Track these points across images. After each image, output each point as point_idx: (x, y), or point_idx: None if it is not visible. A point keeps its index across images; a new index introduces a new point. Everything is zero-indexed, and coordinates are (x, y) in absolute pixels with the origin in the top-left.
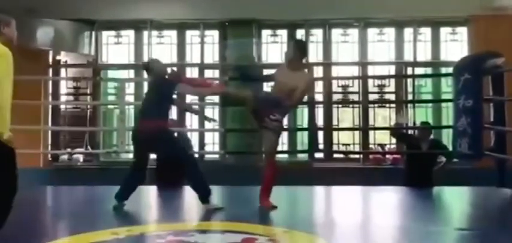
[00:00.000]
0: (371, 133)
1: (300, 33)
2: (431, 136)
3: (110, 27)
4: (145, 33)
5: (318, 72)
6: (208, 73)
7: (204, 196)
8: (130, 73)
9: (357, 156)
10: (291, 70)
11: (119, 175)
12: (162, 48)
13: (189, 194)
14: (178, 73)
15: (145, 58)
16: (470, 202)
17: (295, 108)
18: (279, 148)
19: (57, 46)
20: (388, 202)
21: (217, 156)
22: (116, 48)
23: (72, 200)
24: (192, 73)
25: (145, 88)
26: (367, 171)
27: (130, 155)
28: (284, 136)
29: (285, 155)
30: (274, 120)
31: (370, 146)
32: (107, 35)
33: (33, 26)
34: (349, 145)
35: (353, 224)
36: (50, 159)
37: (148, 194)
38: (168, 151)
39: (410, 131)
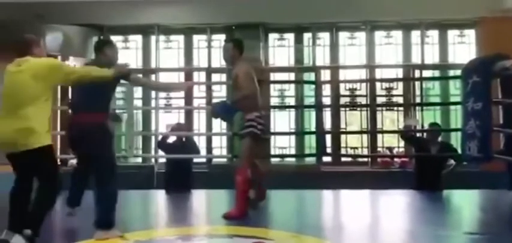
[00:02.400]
0: (379, 136)
1: (307, 36)
2: (440, 139)
3: (117, 32)
4: (153, 38)
5: (326, 75)
6: (216, 77)
7: (100, 222)
8: None
9: (365, 159)
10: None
11: (127, 180)
12: (169, 52)
13: (198, 199)
14: (127, 70)
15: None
16: (479, 205)
17: (239, 104)
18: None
19: (66, 52)
20: (396, 205)
21: (224, 160)
22: (124, 53)
23: (80, 205)
24: (199, 77)
25: (154, 93)
26: (375, 174)
27: (139, 160)
28: (291, 140)
29: (293, 159)
30: (246, 125)
31: (378, 149)
32: (115, 40)
33: (42, 31)
34: (357, 148)
35: (361, 228)
36: (60, 163)
37: (157, 198)
38: (94, 152)
39: (418, 134)
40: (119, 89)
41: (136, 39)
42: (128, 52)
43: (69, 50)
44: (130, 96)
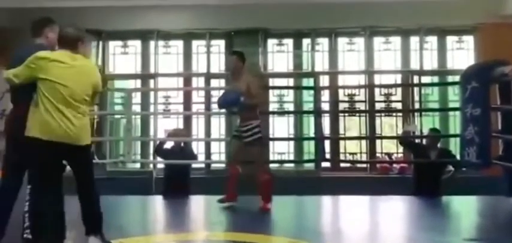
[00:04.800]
0: (378, 141)
1: (306, 42)
2: (439, 145)
3: (116, 37)
4: (152, 43)
5: (324, 81)
6: (215, 83)
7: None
8: (137, 83)
9: (364, 165)
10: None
11: (125, 185)
12: (168, 58)
13: (195, 204)
14: None
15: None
16: (478, 212)
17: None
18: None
19: None
20: (395, 211)
21: (223, 165)
22: (123, 58)
23: (77, 211)
24: (198, 82)
25: (152, 99)
26: (374, 180)
27: (138, 165)
28: (290, 146)
29: (292, 165)
30: (255, 131)
31: (377, 155)
32: (114, 45)
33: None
34: (356, 154)
35: (360, 233)
36: None
37: (155, 204)
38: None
39: (417, 140)
40: (117, 94)
41: (135, 44)
42: (127, 57)
43: None
44: (129, 101)
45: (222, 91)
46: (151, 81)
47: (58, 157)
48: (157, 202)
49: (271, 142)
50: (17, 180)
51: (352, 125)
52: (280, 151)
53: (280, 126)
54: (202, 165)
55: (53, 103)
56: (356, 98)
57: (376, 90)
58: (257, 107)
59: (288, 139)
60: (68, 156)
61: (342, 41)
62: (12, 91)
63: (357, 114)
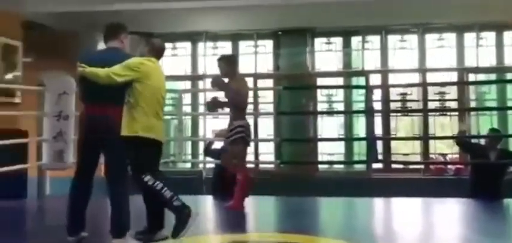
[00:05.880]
0: (432, 142)
1: (355, 40)
2: (499, 146)
3: (166, 40)
4: (201, 45)
5: (375, 79)
6: (262, 83)
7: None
8: (187, 84)
9: (417, 166)
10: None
11: (176, 184)
12: (216, 59)
13: (245, 204)
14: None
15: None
16: None
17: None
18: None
19: None
20: (451, 214)
21: (272, 166)
22: (173, 60)
23: (130, 209)
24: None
25: (201, 99)
26: (428, 182)
27: (188, 165)
28: (340, 146)
29: (341, 166)
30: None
31: (431, 156)
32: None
33: (94, 39)
34: (408, 155)
35: (413, 236)
36: None
37: (205, 204)
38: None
39: (475, 140)
40: (167, 95)
41: (184, 46)
42: (177, 59)
43: None
44: (180, 102)
45: (270, 92)
46: (200, 82)
47: (155, 154)
48: (208, 202)
49: (319, 143)
50: (88, 178)
51: (405, 126)
52: (330, 151)
53: (330, 126)
54: (251, 165)
55: (151, 106)
56: (408, 97)
57: (430, 89)
58: (243, 110)
59: (338, 139)
60: (158, 154)
61: (393, 39)
62: (90, 92)
63: (410, 114)
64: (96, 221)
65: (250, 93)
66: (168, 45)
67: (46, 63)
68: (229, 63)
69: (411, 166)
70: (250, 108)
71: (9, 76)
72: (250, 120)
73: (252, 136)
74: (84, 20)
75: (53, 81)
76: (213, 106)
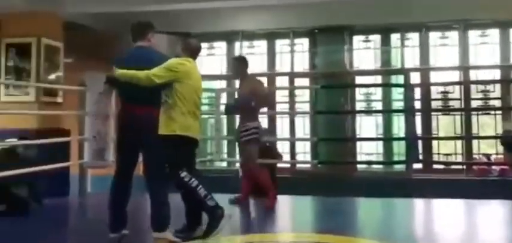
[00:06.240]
0: (475, 142)
1: (394, 37)
2: None
3: (203, 39)
4: (237, 44)
5: (415, 77)
6: (299, 82)
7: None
8: (223, 84)
9: (459, 167)
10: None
11: (213, 183)
12: (252, 58)
13: (281, 204)
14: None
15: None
16: None
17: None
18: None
19: None
20: (496, 216)
21: (309, 166)
22: (210, 59)
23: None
24: (282, 82)
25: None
26: (471, 183)
27: (225, 164)
28: (378, 146)
29: (380, 166)
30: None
31: (474, 156)
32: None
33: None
34: (450, 155)
35: (456, 239)
36: None
37: (242, 203)
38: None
39: None
40: (205, 94)
41: (221, 46)
42: (213, 58)
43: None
44: (217, 101)
45: (306, 91)
46: (237, 81)
47: (192, 152)
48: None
49: (358, 143)
50: (128, 177)
51: (446, 125)
52: (368, 151)
53: (368, 126)
54: (288, 165)
55: (189, 105)
56: (450, 95)
57: (472, 87)
58: (257, 110)
59: (377, 139)
60: (195, 152)
61: (433, 35)
62: (129, 92)
63: (451, 113)
64: (137, 219)
65: (286, 92)
66: (204, 44)
67: (86, 63)
68: (238, 64)
69: (453, 167)
70: (285, 107)
71: (51, 76)
72: (286, 119)
73: (288, 135)
74: (123, 20)
75: (93, 80)
76: (228, 112)
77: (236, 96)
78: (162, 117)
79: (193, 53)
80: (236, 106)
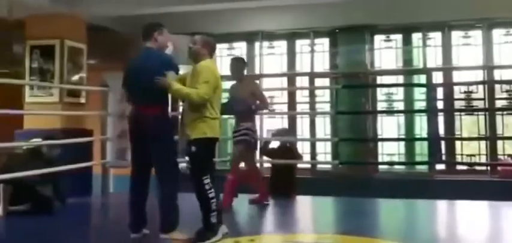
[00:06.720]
0: (499, 142)
1: (416, 37)
2: None
3: (223, 40)
4: (257, 44)
5: (438, 77)
6: (319, 82)
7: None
8: None
9: (483, 168)
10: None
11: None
12: (272, 58)
13: (302, 205)
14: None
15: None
16: None
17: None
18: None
19: (176, 60)
20: None
21: (329, 166)
22: (228, 60)
23: (191, 207)
24: (302, 82)
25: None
26: (495, 184)
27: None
28: (400, 146)
29: (402, 167)
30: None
31: (499, 157)
32: (220, 48)
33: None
34: (474, 155)
35: (479, 242)
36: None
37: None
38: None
39: None
40: (225, 95)
41: (240, 46)
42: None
43: (178, 59)
44: None
45: (326, 91)
46: (257, 81)
47: (214, 151)
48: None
49: (379, 143)
50: (143, 177)
51: (469, 125)
52: (390, 152)
53: (389, 126)
54: (308, 165)
55: (216, 106)
56: (473, 95)
57: (497, 87)
58: (254, 112)
59: (399, 139)
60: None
61: (456, 35)
62: (138, 92)
63: (475, 113)
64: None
65: (306, 93)
66: (224, 45)
67: (109, 64)
68: (241, 65)
69: (477, 168)
70: (306, 107)
71: (75, 77)
72: (306, 120)
73: (309, 136)
74: (144, 22)
75: (115, 81)
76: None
77: (228, 96)
78: (193, 121)
79: (213, 50)
80: (233, 107)
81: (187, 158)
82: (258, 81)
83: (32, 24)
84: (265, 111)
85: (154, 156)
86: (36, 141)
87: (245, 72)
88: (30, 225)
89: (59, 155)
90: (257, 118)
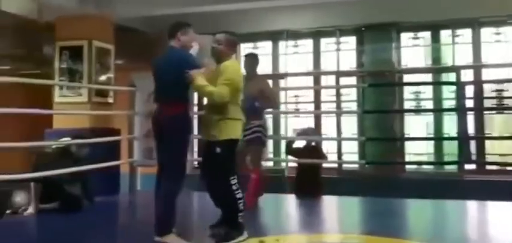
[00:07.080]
0: None
1: (444, 34)
2: None
3: (248, 40)
4: (282, 43)
5: (467, 75)
6: (345, 81)
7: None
8: (270, 83)
9: None
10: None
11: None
12: (298, 57)
13: (328, 204)
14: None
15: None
16: None
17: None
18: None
19: (201, 60)
20: None
21: (356, 166)
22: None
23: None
24: (327, 81)
25: (283, 98)
26: None
27: (270, 164)
28: (428, 146)
29: (431, 167)
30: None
31: None
32: (244, 47)
33: None
34: (505, 155)
35: None
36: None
37: (287, 203)
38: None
39: None
40: None
41: (265, 45)
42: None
43: (203, 58)
44: None
45: (352, 90)
46: (282, 81)
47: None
48: (290, 201)
49: (407, 142)
50: None
51: (500, 124)
52: (418, 151)
53: (417, 125)
54: (334, 165)
55: (238, 106)
56: (504, 93)
57: None
58: (265, 109)
59: (428, 138)
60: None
61: (486, 31)
62: (164, 91)
63: (506, 111)
64: (185, 216)
65: (332, 91)
66: (249, 44)
67: (136, 64)
68: (255, 61)
69: (508, 168)
70: (331, 106)
71: (103, 77)
72: (332, 119)
73: (335, 135)
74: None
75: (143, 81)
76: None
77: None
78: (216, 121)
79: (235, 47)
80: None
81: (200, 158)
82: (269, 80)
83: (61, 25)
84: (289, 110)
85: (161, 155)
86: (66, 140)
87: (257, 69)
88: (60, 223)
89: (88, 154)
90: (282, 117)
